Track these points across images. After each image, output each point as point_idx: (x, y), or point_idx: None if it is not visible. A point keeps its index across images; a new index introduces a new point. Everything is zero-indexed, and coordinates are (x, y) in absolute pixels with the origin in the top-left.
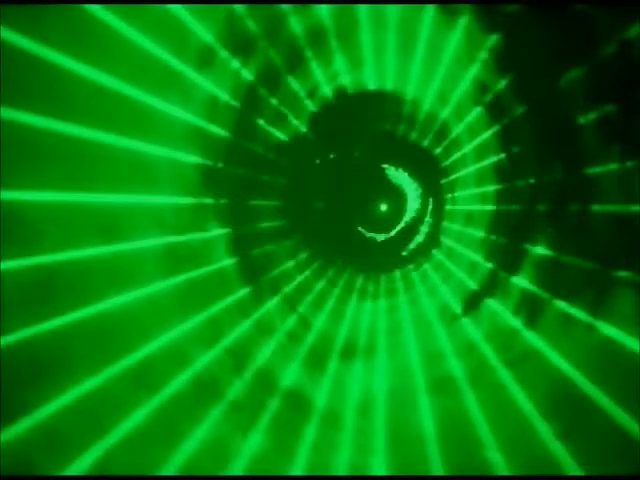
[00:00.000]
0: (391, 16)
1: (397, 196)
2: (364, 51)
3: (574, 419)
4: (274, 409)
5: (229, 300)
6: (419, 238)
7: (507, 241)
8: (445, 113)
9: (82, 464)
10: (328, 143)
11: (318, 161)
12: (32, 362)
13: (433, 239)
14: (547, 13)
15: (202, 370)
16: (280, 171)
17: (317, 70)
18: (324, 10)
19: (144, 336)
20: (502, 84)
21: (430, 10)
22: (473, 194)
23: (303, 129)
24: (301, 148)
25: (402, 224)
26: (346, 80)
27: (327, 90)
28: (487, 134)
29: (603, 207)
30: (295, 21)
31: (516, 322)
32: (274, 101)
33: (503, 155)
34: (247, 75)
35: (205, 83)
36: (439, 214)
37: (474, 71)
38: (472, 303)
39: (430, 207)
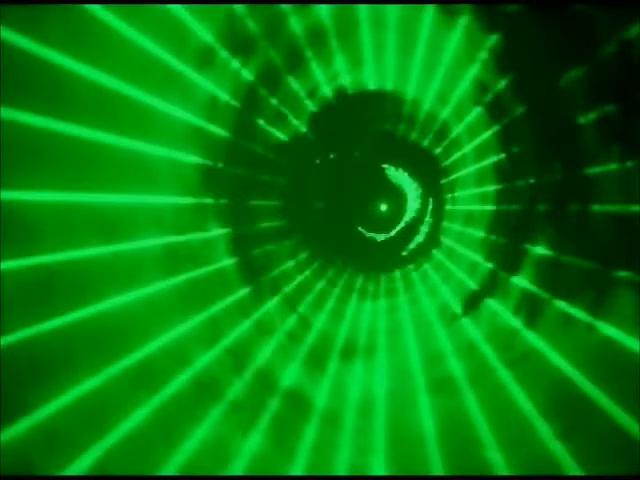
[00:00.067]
0: (391, 16)
1: (397, 196)
2: (364, 51)
3: (574, 419)
4: (274, 409)
5: (229, 300)
6: (419, 238)
7: (507, 241)
8: (445, 113)
9: (82, 464)
10: (328, 143)
11: (318, 161)
12: (32, 362)
13: (433, 239)
14: (547, 13)
15: (202, 370)
16: (280, 171)
17: (317, 70)
18: (324, 10)
19: (144, 336)
20: (502, 84)
21: (430, 10)
22: (473, 194)
23: (303, 129)
24: (301, 148)
25: (402, 224)
26: (346, 80)
27: (327, 90)
28: (487, 134)
29: (603, 207)
30: (295, 21)
31: (516, 322)
32: (274, 101)
33: (503, 155)
34: (247, 75)
35: (205, 83)
36: (439, 214)
37: (474, 71)
38: (472, 303)
39: (430, 207)
